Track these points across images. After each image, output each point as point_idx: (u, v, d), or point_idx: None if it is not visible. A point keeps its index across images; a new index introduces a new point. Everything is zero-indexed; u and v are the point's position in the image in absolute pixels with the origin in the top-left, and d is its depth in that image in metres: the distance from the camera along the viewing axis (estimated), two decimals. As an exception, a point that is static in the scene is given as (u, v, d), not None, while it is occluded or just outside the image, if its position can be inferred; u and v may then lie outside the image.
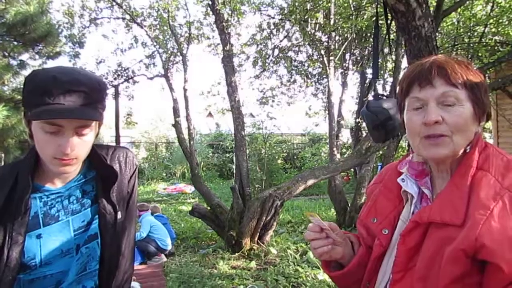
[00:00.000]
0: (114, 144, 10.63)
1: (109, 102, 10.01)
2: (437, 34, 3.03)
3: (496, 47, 6.88)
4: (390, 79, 9.50)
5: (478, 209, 0.85)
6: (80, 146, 1.10)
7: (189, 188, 12.54)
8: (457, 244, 0.85)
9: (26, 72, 6.49)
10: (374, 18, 2.55)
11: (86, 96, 1.07)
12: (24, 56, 7.01)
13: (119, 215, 1.27)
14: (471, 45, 6.85)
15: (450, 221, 0.88)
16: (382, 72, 9.45)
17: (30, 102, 1.06)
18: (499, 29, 6.55)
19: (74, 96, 1.05)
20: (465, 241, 0.84)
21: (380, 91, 8.60)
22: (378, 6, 2.53)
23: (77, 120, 1.07)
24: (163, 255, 5.70)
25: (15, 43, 6.52)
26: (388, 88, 9.71)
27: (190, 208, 6.56)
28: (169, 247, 5.83)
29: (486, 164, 0.92)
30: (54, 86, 1.03)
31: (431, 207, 0.95)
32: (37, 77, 1.07)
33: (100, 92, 1.13)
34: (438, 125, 0.92)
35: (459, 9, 6.30)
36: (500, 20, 6.34)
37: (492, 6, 6.20)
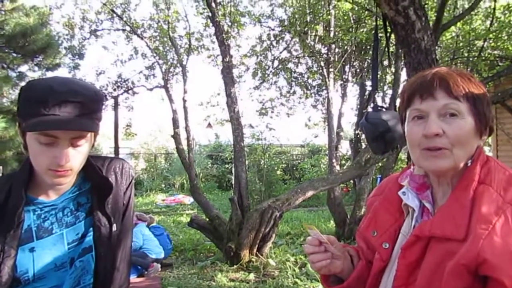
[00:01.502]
0: (113, 155, 10.63)
1: (109, 113, 10.03)
2: (436, 47, 3.04)
3: (495, 62, 6.92)
4: (390, 91, 9.54)
5: (480, 223, 0.84)
6: (75, 157, 1.08)
7: (188, 199, 12.48)
8: (458, 259, 0.83)
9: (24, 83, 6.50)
10: (374, 31, 2.56)
11: (82, 106, 1.05)
12: (24, 68, 7.03)
13: (114, 228, 1.24)
14: (470, 59, 6.88)
15: (452, 236, 0.87)
16: (381, 84, 9.48)
17: (25, 113, 1.04)
18: (498, 44, 6.59)
19: (70, 107, 1.03)
20: (467, 256, 0.82)
21: (379, 103, 8.63)
22: (378, 18, 2.54)
23: (72, 131, 1.05)
24: (157, 265, 5.61)
25: (14, 54, 6.53)
26: (387, 100, 9.75)
27: (188, 220, 6.52)
28: (161, 256, 5.77)
29: (488, 178, 0.91)
30: (50, 96, 1.02)
31: (432, 220, 0.93)
32: (32, 87, 1.06)
33: (97, 103, 1.11)
34: (439, 137, 0.91)
35: (458, 23, 6.35)
36: (500, 35, 6.38)
37: (492, 21, 6.24)
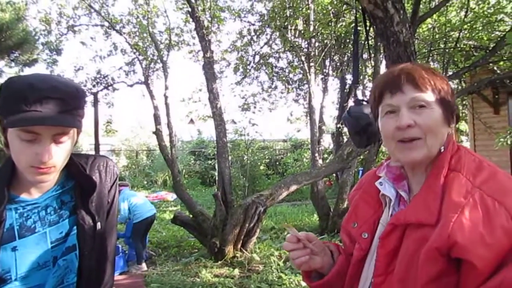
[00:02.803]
0: (93, 152, 10.49)
1: (88, 109, 9.86)
2: (414, 40, 3.08)
3: (471, 52, 7.05)
4: (370, 85, 9.64)
5: (450, 208, 0.87)
6: (58, 154, 1.06)
7: (171, 196, 12.42)
8: (431, 243, 0.86)
9: (2, 80, 6.35)
10: (353, 25, 2.58)
11: (63, 103, 1.04)
12: (0, 64, 6.86)
13: (98, 226, 1.23)
14: (447, 50, 7.00)
15: (425, 221, 0.90)
16: (361, 77, 9.57)
17: (6, 110, 1.02)
18: (473, 35, 6.71)
19: (51, 103, 1.02)
20: (438, 239, 0.85)
21: (360, 96, 8.69)
22: (357, 12, 2.56)
23: (54, 128, 1.04)
24: (144, 264, 5.62)
25: (-10, 51, 6.37)
26: (367, 93, 9.83)
27: (172, 216, 6.50)
28: (153, 212, 6.01)
29: (458, 165, 0.95)
30: (30, 93, 1.00)
31: (407, 208, 0.97)
32: (13, 84, 1.04)
33: (79, 99, 1.10)
34: (411, 128, 0.96)
35: (434, 15, 6.44)
36: (474, 26, 6.50)
37: (466, 12, 6.36)
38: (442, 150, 0.98)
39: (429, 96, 0.97)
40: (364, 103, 2.11)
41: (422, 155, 0.96)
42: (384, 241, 0.97)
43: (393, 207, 1.05)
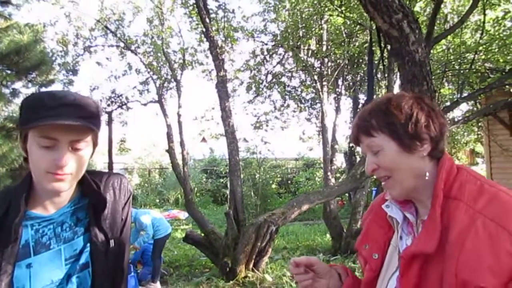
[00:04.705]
0: (107, 170, 10.54)
1: (102, 128, 9.95)
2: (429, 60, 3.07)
3: (486, 74, 7.00)
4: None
5: (453, 243, 0.89)
6: (74, 161, 1.08)
7: (183, 214, 12.38)
8: (447, 286, 0.88)
9: (19, 100, 6.46)
10: (367, 44, 2.59)
11: (81, 110, 1.07)
12: (17, 85, 6.99)
13: (111, 244, 1.23)
14: (462, 71, 6.96)
15: (427, 251, 0.92)
16: (374, 97, 9.53)
17: (25, 118, 1.06)
18: (488, 56, 6.66)
19: (70, 110, 1.05)
20: (449, 279, 0.87)
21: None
22: (371, 32, 2.56)
23: (71, 134, 1.06)
24: (158, 283, 5.58)
25: (8, 71, 6.51)
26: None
27: (183, 235, 6.47)
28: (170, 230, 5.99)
29: (459, 193, 0.95)
30: (50, 101, 1.04)
31: (413, 241, 1.00)
32: (32, 96, 1.10)
33: (96, 109, 1.13)
34: (377, 170, 1.02)
35: (449, 37, 6.43)
36: (490, 48, 6.46)
37: (482, 34, 6.33)
38: (428, 176, 0.99)
39: (378, 138, 1.01)
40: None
41: (398, 191, 1.02)
42: (404, 279, 0.97)
43: (401, 228, 1.07)
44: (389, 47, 2.48)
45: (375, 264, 1.08)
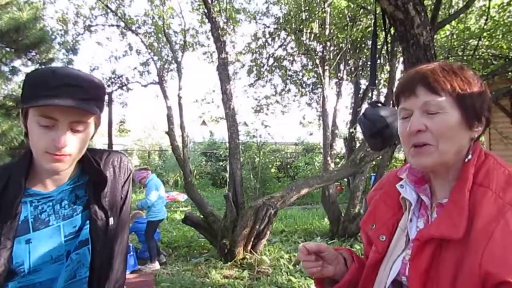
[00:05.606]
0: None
1: (103, 108, 9.96)
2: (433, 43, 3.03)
3: (489, 60, 6.94)
4: (385, 90, 9.56)
5: (480, 232, 0.84)
6: (73, 142, 1.07)
7: (182, 196, 12.44)
8: (464, 274, 0.84)
9: (18, 78, 6.42)
10: (371, 27, 2.55)
11: (83, 91, 1.05)
12: (17, 63, 6.93)
13: (111, 221, 1.23)
14: (465, 57, 6.90)
15: (449, 236, 0.87)
16: (376, 82, 9.48)
17: (28, 96, 1.05)
18: (492, 43, 6.60)
19: (72, 90, 1.04)
20: (471, 270, 0.83)
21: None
22: (376, 15, 2.53)
23: (72, 115, 1.05)
24: (157, 263, 5.63)
25: (7, 49, 6.44)
26: (382, 98, 9.75)
27: (182, 217, 6.51)
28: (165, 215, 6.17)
29: (486, 180, 0.90)
30: (52, 79, 1.03)
31: (431, 224, 0.94)
32: (35, 72, 1.08)
33: (99, 89, 1.12)
34: (422, 133, 0.92)
35: (453, 22, 6.36)
36: (494, 34, 6.39)
37: (486, 20, 6.25)
38: (470, 158, 0.93)
39: (444, 99, 0.92)
40: (380, 105, 2.08)
41: (432, 161, 0.93)
42: (415, 262, 0.93)
43: (413, 211, 1.02)
44: (393, 31, 2.45)
45: (382, 247, 1.04)
